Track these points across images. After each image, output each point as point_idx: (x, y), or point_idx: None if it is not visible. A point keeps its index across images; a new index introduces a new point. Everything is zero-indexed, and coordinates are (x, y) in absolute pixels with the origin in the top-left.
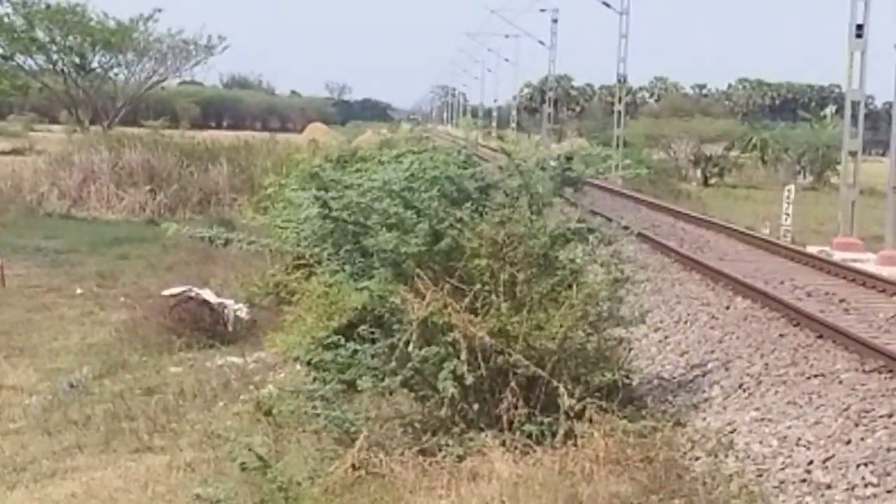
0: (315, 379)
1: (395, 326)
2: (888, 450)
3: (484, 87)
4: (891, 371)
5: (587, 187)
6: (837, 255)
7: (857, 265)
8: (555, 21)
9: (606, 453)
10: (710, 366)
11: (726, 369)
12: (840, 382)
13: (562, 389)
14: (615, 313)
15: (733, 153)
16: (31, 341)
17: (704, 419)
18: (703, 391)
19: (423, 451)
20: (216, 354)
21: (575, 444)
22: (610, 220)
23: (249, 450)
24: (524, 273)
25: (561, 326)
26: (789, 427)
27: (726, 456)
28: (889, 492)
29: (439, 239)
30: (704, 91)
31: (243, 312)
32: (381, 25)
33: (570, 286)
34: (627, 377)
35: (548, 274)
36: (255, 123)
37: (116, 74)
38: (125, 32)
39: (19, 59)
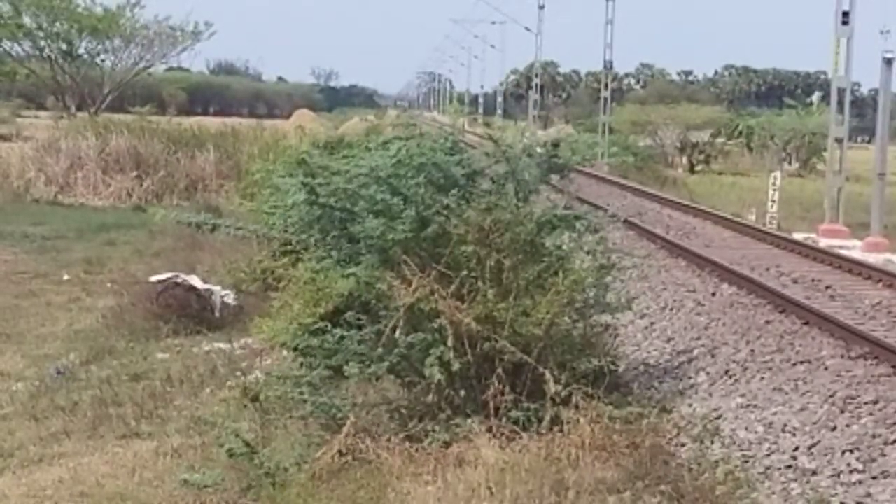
0: (302, 365)
1: (382, 313)
2: (873, 436)
3: (470, 73)
4: (876, 357)
5: (573, 174)
6: (823, 242)
7: (843, 252)
8: (541, 7)
9: (592, 439)
10: (695, 352)
11: (712, 356)
12: (826, 369)
13: (548, 376)
14: (601, 300)
15: (719, 140)
16: (18, 327)
17: (690, 405)
18: (689, 377)
19: (409, 437)
20: (203, 340)
21: (561, 431)
22: (597, 207)
23: (236, 436)
24: (511, 260)
25: (547, 313)
26: (775, 413)
27: (712, 442)
28: (874, 478)
29: (426, 225)
30: (690, 78)
31: (230, 298)
32: (367, 11)
33: (556, 273)
34: (613, 363)
35: (534, 261)
36: (241, 110)
37: (103, 61)
38: (112, 19)
39: (6, 45)
